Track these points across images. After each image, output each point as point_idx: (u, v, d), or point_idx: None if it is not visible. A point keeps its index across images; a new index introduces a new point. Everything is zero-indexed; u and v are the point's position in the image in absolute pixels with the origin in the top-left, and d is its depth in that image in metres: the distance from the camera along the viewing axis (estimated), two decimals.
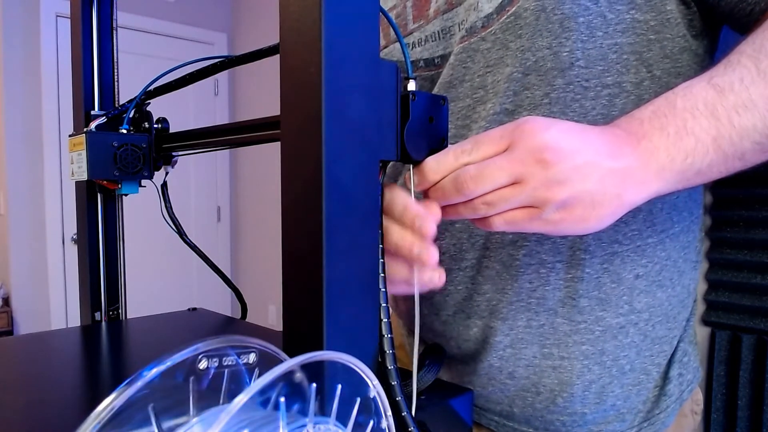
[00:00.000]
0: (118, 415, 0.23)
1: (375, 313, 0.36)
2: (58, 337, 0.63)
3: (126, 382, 0.23)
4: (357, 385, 0.28)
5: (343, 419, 0.28)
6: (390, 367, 0.36)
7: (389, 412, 0.30)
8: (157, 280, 3.20)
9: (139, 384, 0.23)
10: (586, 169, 0.38)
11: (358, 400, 0.28)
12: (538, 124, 0.39)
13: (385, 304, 0.36)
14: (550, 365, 0.56)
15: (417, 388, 0.40)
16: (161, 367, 0.24)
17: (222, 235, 3.59)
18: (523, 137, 0.38)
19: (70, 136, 0.67)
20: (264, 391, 0.23)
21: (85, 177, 0.63)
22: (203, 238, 3.19)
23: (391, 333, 0.37)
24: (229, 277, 0.73)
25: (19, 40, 2.74)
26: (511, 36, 0.51)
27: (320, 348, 0.32)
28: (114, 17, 0.71)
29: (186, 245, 0.71)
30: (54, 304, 2.89)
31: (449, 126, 0.53)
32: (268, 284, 3.30)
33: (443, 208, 0.42)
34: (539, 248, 0.54)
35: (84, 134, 0.63)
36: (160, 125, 0.68)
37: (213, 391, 0.28)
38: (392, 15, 0.62)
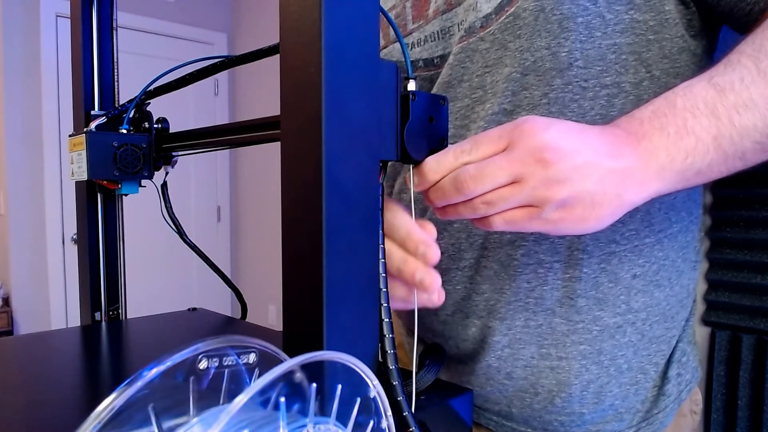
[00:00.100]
0: (118, 415, 0.23)
1: (375, 312, 0.36)
2: (58, 337, 0.63)
3: (126, 382, 0.23)
4: (357, 385, 0.28)
5: (343, 419, 0.28)
6: (391, 367, 0.36)
7: (389, 412, 0.30)
8: (157, 280, 3.20)
9: (139, 384, 0.23)
10: (585, 169, 0.38)
11: (358, 400, 0.28)
12: (537, 124, 0.39)
13: (386, 304, 0.36)
14: (548, 365, 0.56)
15: (417, 388, 0.40)
16: (161, 367, 0.24)
17: (222, 235, 3.59)
18: (523, 137, 0.38)
19: (70, 136, 0.67)
20: (264, 391, 0.23)
21: (85, 177, 0.63)
22: (203, 238, 3.19)
23: (392, 333, 0.37)
24: (229, 277, 0.73)
25: (19, 40, 2.74)
26: (509, 36, 0.51)
27: (320, 348, 0.32)
28: (114, 17, 0.71)
29: (186, 245, 0.71)
30: (54, 304, 2.89)
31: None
32: (268, 284, 3.30)
33: (443, 208, 0.43)
34: (537, 248, 0.54)
35: (84, 134, 0.63)
36: (160, 125, 0.68)
37: (213, 391, 0.28)
38: (391, 15, 0.62)
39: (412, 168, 0.42)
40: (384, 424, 0.30)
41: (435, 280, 0.40)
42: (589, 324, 0.54)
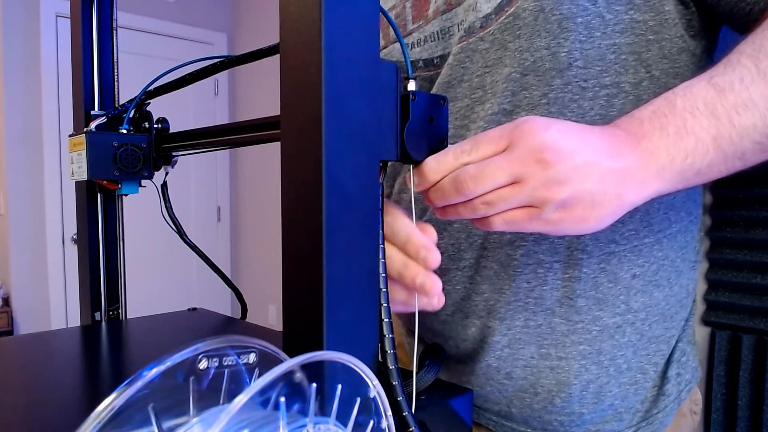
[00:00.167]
0: (118, 415, 0.23)
1: (375, 312, 0.36)
2: (58, 337, 0.63)
3: (126, 382, 0.23)
4: (357, 385, 0.28)
5: (343, 419, 0.28)
6: (391, 367, 0.36)
7: (389, 412, 0.30)
8: (157, 280, 3.20)
9: (139, 384, 0.23)
10: (585, 169, 0.38)
11: (358, 400, 0.28)
12: (537, 124, 0.39)
13: (386, 304, 0.36)
14: (547, 365, 0.56)
15: (417, 388, 0.40)
16: (161, 367, 0.24)
17: (222, 235, 3.59)
18: (523, 137, 0.38)
19: (70, 136, 0.67)
20: (264, 391, 0.23)
21: (85, 177, 0.63)
22: (203, 238, 3.19)
23: (392, 333, 0.37)
24: (229, 277, 0.73)
25: (19, 40, 2.74)
26: (509, 36, 0.51)
27: (320, 348, 0.32)
28: (114, 17, 0.71)
29: (186, 245, 0.71)
30: (54, 304, 2.89)
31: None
32: (268, 284, 3.30)
33: (443, 209, 0.43)
34: (537, 248, 0.54)
35: (84, 134, 0.63)
36: (160, 125, 0.68)
37: (213, 391, 0.28)
38: (391, 15, 0.62)
39: (412, 168, 0.42)
40: (384, 424, 0.30)
41: (436, 284, 0.40)
42: (588, 324, 0.54)
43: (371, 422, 0.29)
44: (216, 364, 0.28)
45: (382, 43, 0.64)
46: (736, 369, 0.97)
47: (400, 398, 0.36)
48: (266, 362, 0.29)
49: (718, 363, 1.00)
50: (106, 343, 0.58)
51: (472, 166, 0.39)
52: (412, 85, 0.39)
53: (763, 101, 0.41)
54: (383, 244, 0.37)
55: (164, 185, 0.69)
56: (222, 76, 3.47)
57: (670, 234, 0.55)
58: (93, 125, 0.65)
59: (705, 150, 0.41)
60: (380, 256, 0.36)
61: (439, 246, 0.42)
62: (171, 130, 0.69)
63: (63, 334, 0.64)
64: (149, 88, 0.67)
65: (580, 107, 0.51)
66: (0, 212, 2.85)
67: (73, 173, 0.66)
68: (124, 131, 0.66)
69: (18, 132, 2.76)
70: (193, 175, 3.39)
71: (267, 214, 3.36)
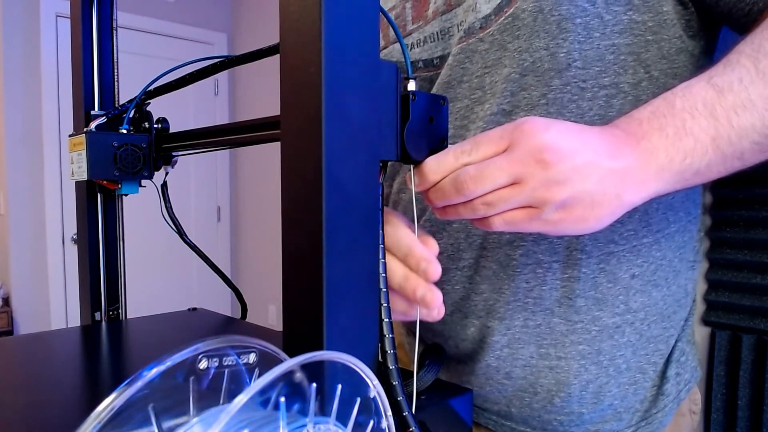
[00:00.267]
0: (118, 415, 0.23)
1: (375, 313, 0.36)
2: (58, 337, 0.63)
3: (126, 382, 0.23)
4: (357, 385, 0.28)
5: (343, 419, 0.28)
6: (391, 367, 0.36)
7: (389, 412, 0.30)
8: (157, 280, 3.20)
9: (139, 384, 0.23)
10: (585, 170, 0.38)
11: (358, 400, 0.28)
12: (537, 125, 0.39)
13: (386, 304, 0.36)
14: (547, 365, 0.56)
15: (417, 388, 0.40)
16: (161, 367, 0.24)
17: (222, 235, 3.59)
18: (523, 137, 0.38)
19: (70, 136, 0.67)
20: (264, 391, 0.23)
21: (85, 177, 0.63)
22: (203, 238, 3.19)
23: (392, 333, 0.37)
24: (229, 277, 0.73)
25: (19, 40, 2.74)
26: (508, 37, 0.51)
27: (320, 348, 0.32)
28: (114, 17, 0.71)
29: (186, 245, 0.71)
30: (54, 304, 2.89)
31: None
32: (268, 284, 3.30)
33: (443, 209, 0.43)
34: (536, 248, 0.54)
35: (84, 134, 0.63)
36: (160, 125, 0.68)
37: (213, 391, 0.28)
38: (391, 15, 0.62)
39: (413, 168, 0.42)
40: (384, 424, 0.30)
41: (436, 297, 0.40)
42: (587, 324, 0.54)
43: (371, 422, 0.29)
44: (216, 364, 0.28)
45: (382, 43, 0.64)
46: (736, 369, 0.97)
47: (400, 398, 0.36)
48: (266, 362, 0.29)
49: (718, 363, 1.00)
50: (106, 343, 0.58)
51: (473, 167, 0.39)
52: (412, 85, 0.39)
53: (761, 102, 0.41)
54: (383, 243, 0.37)
55: (164, 185, 0.69)
56: (222, 76, 3.47)
57: (668, 234, 0.56)
58: (93, 125, 0.65)
59: (704, 150, 0.41)
60: (380, 256, 0.36)
61: (438, 246, 0.42)
62: (171, 130, 0.69)
63: (63, 334, 0.64)
64: (149, 88, 0.67)
65: (579, 107, 0.51)
66: (0, 212, 2.85)
67: (73, 173, 0.66)
68: (124, 131, 0.66)
69: (18, 132, 2.76)
70: (193, 175, 3.39)
71: (267, 214, 3.36)
